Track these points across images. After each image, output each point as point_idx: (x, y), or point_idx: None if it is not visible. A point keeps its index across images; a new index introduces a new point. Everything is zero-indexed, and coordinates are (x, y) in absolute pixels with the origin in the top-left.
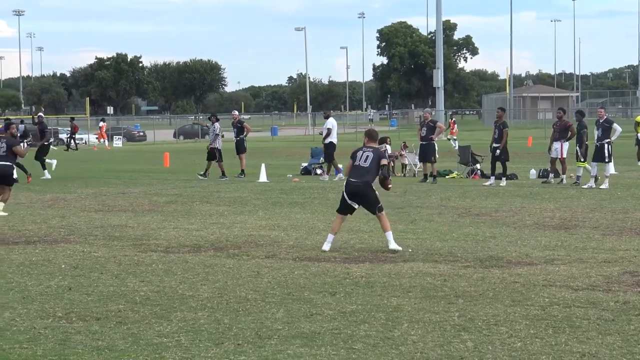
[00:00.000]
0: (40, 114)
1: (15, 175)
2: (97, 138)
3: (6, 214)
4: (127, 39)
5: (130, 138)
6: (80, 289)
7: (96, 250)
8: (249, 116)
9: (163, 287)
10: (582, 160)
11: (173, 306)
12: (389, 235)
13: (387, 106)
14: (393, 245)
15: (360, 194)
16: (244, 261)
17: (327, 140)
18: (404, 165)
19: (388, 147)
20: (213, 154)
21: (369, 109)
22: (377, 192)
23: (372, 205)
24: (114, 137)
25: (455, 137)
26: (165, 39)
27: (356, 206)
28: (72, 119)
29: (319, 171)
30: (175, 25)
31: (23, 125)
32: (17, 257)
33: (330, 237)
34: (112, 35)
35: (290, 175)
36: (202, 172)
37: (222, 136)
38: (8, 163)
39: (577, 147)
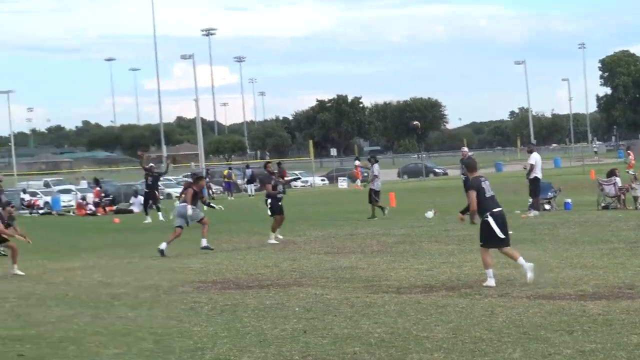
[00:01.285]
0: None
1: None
2: (353, 178)
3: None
4: (346, 80)
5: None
6: (315, 331)
7: (328, 293)
8: (472, 153)
9: (397, 328)
10: None
11: (408, 347)
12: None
13: (613, 137)
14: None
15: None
16: (477, 300)
17: (532, 176)
18: (635, 198)
19: (617, 179)
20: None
21: (594, 140)
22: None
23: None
24: (339, 178)
25: (628, 171)
26: (384, 79)
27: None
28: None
29: (547, 207)
30: (394, 64)
31: (250, 170)
32: (251, 301)
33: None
34: (332, 77)
35: (518, 212)
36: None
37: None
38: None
39: None
